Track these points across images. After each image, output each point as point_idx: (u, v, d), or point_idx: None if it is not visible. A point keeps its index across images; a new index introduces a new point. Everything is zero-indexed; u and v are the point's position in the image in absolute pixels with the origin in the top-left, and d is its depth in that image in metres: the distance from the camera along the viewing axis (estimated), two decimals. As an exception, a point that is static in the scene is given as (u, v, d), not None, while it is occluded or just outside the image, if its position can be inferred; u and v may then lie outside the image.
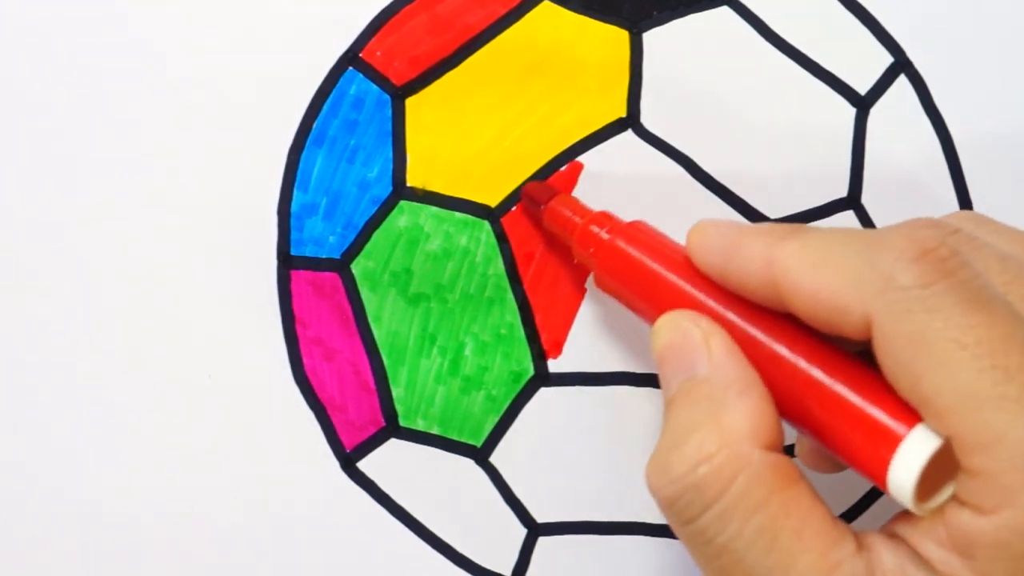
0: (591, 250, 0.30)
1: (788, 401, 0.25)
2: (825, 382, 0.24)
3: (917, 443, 0.22)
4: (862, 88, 0.35)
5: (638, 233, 0.30)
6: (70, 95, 0.35)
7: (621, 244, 0.29)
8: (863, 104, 0.35)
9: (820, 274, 0.24)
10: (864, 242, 0.24)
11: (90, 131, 0.35)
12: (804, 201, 0.35)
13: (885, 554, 0.23)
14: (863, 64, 0.35)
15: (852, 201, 0.35)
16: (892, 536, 0.24)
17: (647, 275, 0.28)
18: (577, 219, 0.31)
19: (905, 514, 0.24)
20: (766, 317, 0.26)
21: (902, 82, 0.35)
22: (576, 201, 0.32)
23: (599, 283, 0.30)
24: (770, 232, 0.25)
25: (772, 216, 0.34)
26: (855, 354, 0.24)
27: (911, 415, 0.23)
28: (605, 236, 0.30)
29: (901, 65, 0.35)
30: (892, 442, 0.22)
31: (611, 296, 0.30)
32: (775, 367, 0.25)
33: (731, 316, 0.26)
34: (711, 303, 0.26)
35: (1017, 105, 0.35)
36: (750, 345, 0.25)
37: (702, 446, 0.24)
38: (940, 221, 0.25)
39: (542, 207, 0.33)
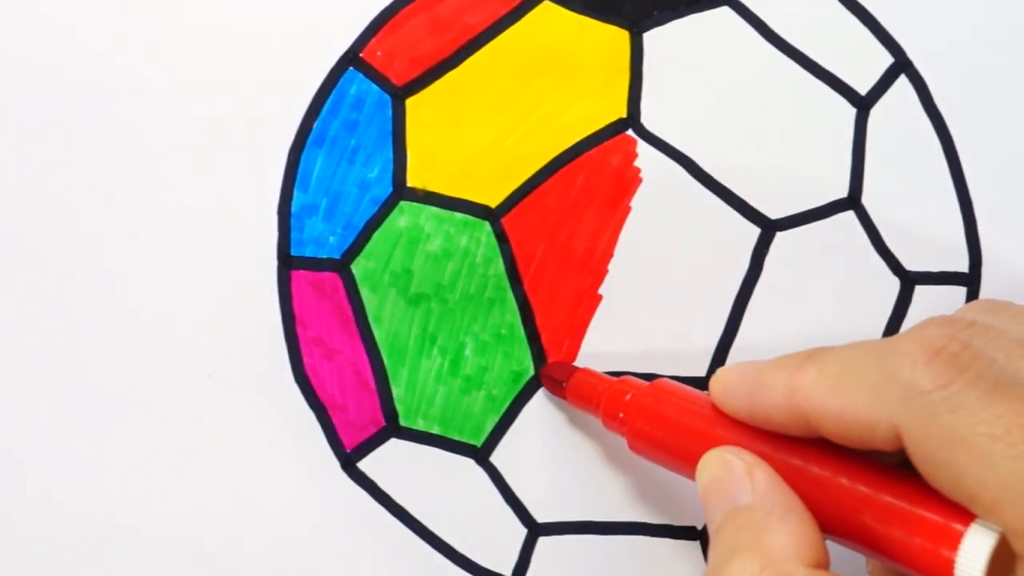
0: (620, 415, 0.30)
1: (839, 521, 0.25)
2: (872, 495, 0.24)
3: (977, 538, 0.22)
4: (863, 88, 0.35)
5: (661, 391, 0.30)
6: (70, 95, 0.35)
7: (648, 404, 0.30)
8: (864, 104, 0.35)
9: (841, 395, 0.24)
10: (878, 354, 0.24)
11: (90, 131, 0.35)
12: (804, 201, 0.35)
13: None
14: (864, 64, 0.35)
15: (852, 201, 0.35)
16: None
17: (679, 428, 0.29)
18: (599, 390, 0.32)
19: None
20: (800, 446, 0.26)
21: (902, 82, 0.35)
22: (595, 374, 0.33)
23: (633, 448, 0.30)
24: (788, 363, 0.26)
25: (772, 216, 0.34)
26: (892, 465, 0.25)
27: (963, 513, 0.23)
28: (629, 400, 0.30)
29: (901, 65, 0.35)
30: (953, 540, 0.23)
31: (648, 459, 0.30)
32: (820, 490, 0.25)
33: (768, 450, 0.27)
34: (745, 443, 0.27)
35: (1017, 105, 0.35)
36: (793, 474, 0.26)
37: (744, 567, 0.24)
38: (952, 317, 0.25)
39: (564, 384, 0.33)
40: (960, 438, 0.22)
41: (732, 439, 0.27)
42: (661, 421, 0.29)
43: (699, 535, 0.35)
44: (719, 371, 0.28)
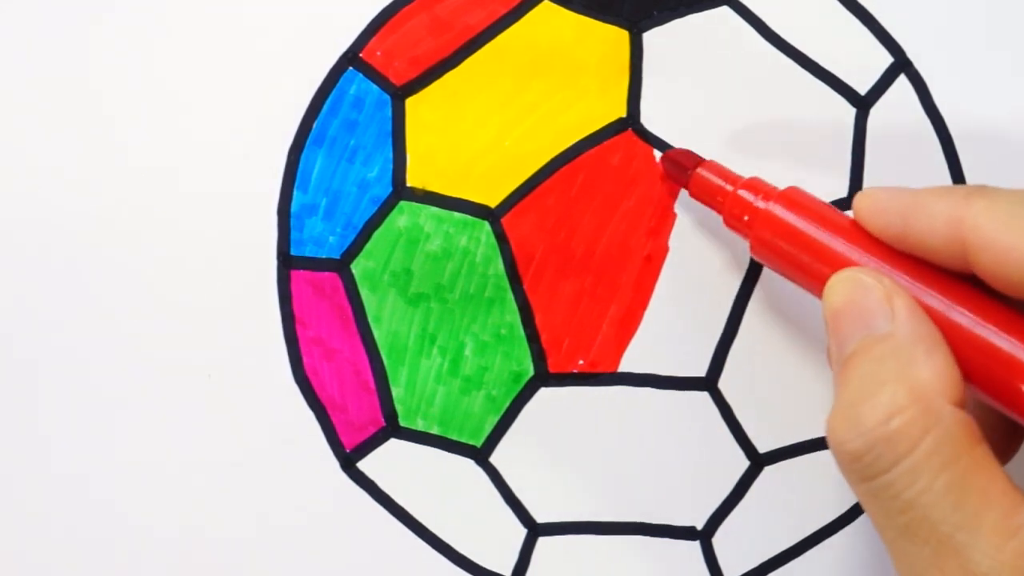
0: (744, 218, 0.29)
1: (971, 365, 0.25)
2: (1011, 350, 0.24)
3: None
4: (862, 88, 0.35)
5: (797, 198, 0.29)
6: (69, 95, 0.35)
7: (779, 210, 0.28)
8: (863, 104, 0.35)
9: (1012, 232, 0.24)
10: None
11: (89, 131, 0.35)
12: (804, 201, 0.34)
13: None
14: (863, 64, 0.35)
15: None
16: None
17: (811, 242, 0.27)
18: (728, 186, 0.30)
19: None
20: (945, 280, 0.25)
21: (902, 82, 0.35)
22: (723, 167, 0.31)
23: (755, 252, 0.29)
24: (954, 192, 0.25)
25: (772, 216, 0.34)
26: None
27: None
28: (761, 204, 0.29)
29: (901, 65, 0.35)
30: None
31: (768, 264, 0.29)
32: (957, 331, 0.25)
33: (907, 280, 0.26)
34: (886, 267, 0.26)
35: (1017, 105, 0.35)
36: (931, 310, 0.25)
37: (895, 398, 0.24)
38: None
39: (688, 173, 0.32)
40: None
41: (871, 261, 0.26)
42: (791, 233, 0.28)
43: (699, 535, 0.35)
44: (864, 190, 0.27)
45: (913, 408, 0.24)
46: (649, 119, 0.34)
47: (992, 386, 0.25)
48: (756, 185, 0.30)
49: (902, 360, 0.24)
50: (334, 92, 0.34)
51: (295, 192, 0.35)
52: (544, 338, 0.35)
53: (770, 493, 0.35)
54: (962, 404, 0.24)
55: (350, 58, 0.35)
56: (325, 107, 0.34)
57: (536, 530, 0.35)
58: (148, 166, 0.35)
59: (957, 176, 0.35)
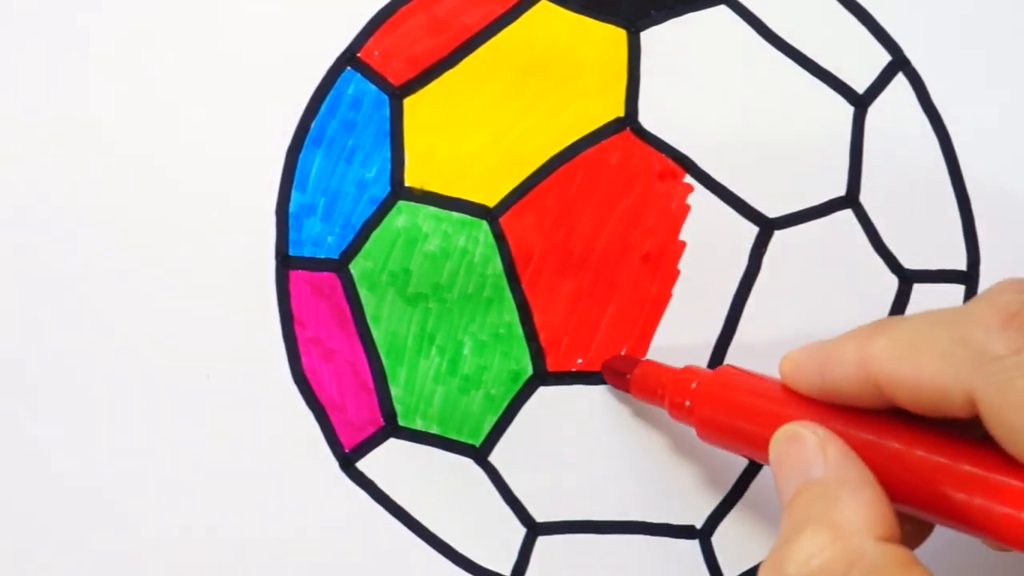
0: (687, 404, 0.30)
1: (916, 492, 0.25)
2: (950, 465, 0.24)
3: None
4: (860, 87, 0.35)
5: (728, 377, 0.30)
6: (67, 94, 0.35)
7: (715, 389, 0.30)
8: (861, 103, 0.35)
9: (914, 363, 0.24)
10: (950, 321, 0.24)
11: (87, 130, 0.35)
12: (803, 200, 0.35)
13: None
14: (861, 63, 0.35)
15: (850, 200, 0.35)
16: None
17: (749, 412, 0.29)
18: (663, 379, 0.32)
19: None
20: (874, 420, 0.26)
21: (900, 80, 0.35)
22: (658, 364, 0.33)
23: (702, 435, 0.30)
24: (857, 334, 0.26)
25: (770, 215, 0.34)
26: (965, 435, 0.25)
27: None
28: (696, 387, 0.30)
29: (899, 63, 0.35)
30: None
31: (717, 443, 0.30)
32: (895, 463, 0.25)
33: (841, 426, 0.27)
34: (818, 421, 0.27)
35: (1014, 103, 0.35)
36: (867, 448, 0.26)
37: (815, 539, 0.24)
38: (1021, 282, 0.25)
39: (627, 376, 0.33)
40: None
41: (804, 418, 0.27)
42: (730, 407, 0.29)
43: (698, 534, 0.35)
44: (788, 352, 0.28)
45: (833, 547, 0.24)
46: (647, 118, 0.34)
47: (936, 506, 0.25)
48: (690, 372, 0.31)
49: (828, 501, 0.25)
50: (332, 92, 0.34)
51: (293, 192, 0.35)
52: (543, 337, 0.35)
53: (769, 492, 0.35)
54: (891, 538, 0.24)
55: (348, 58, 0.35)
56: (323, 107, 0.34)
57: (535, 529, 0.35)
58: (146, 166, 0.35)
59: (955, 174, 0.35)
